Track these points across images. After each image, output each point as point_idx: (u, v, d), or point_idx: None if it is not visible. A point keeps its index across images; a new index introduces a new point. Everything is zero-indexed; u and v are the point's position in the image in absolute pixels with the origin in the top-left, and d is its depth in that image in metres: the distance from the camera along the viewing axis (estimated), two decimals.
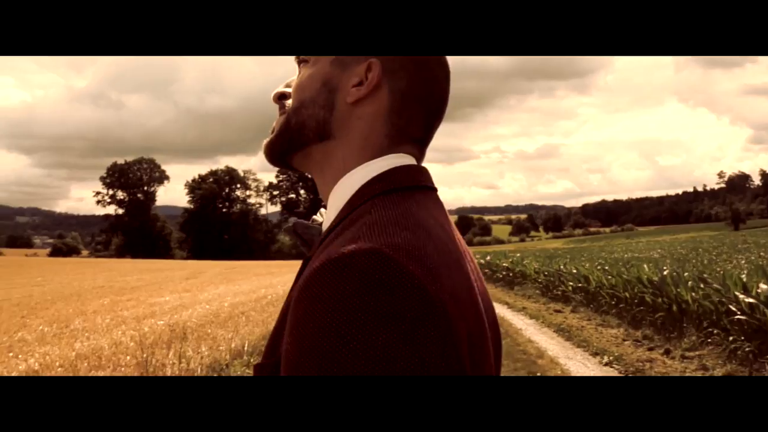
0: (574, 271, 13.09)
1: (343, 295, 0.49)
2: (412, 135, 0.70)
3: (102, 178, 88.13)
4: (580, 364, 6.94)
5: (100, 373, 6.29)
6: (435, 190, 0.70)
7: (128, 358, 6.88)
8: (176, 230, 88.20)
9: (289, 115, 0.71)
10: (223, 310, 11.48)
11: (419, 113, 0.70)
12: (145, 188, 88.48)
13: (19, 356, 7.24)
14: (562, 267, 14.50)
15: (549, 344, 8.16)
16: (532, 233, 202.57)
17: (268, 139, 0.73)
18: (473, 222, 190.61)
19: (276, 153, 0.73)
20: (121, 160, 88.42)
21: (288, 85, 0.75)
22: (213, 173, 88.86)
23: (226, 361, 6.87)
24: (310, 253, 0.65)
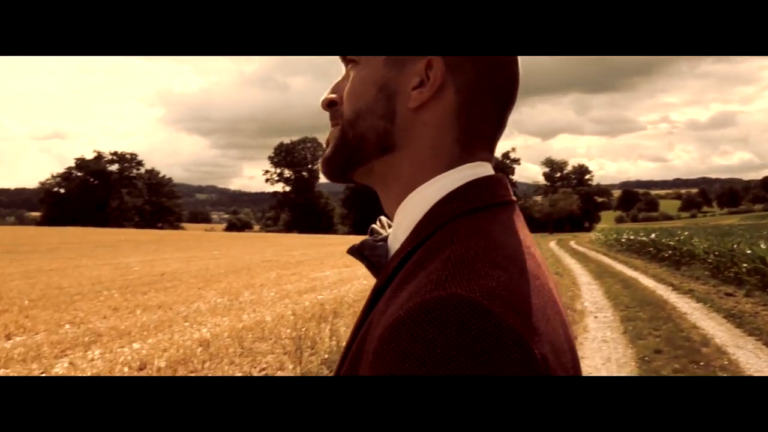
0: (749, 251, 11.91)
1: (436, 354, 0.44)
2: (485, 135, 0.64)
3: (270, 158, 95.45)
4: (751, 354, 6.15)
5: (263, 345, 6.48)
6: (514, 202, 0.64)
7: (288, 331, 7.06)
8: (339, 206, 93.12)
9: (345, 128, 0.65)
10: None
11: (491, 109, 0.63)
12: (310, 166, 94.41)
13: (194, 326, 7.78)
14: (735, 246, 13.34)
15: (716, 331, 7.30)
16: (705, 209, 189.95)
17: (324, 155, 0.68)
18: (638, 197, 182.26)
19: (335, 170, 0.67)
20: (287, 140, 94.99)
21: (335, 90, 0.68)
22: None
23: None
24: (380, 279, 0.61)
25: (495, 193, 0.60)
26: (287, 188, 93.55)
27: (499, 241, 0.54)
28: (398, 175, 0.63)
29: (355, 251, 0.67)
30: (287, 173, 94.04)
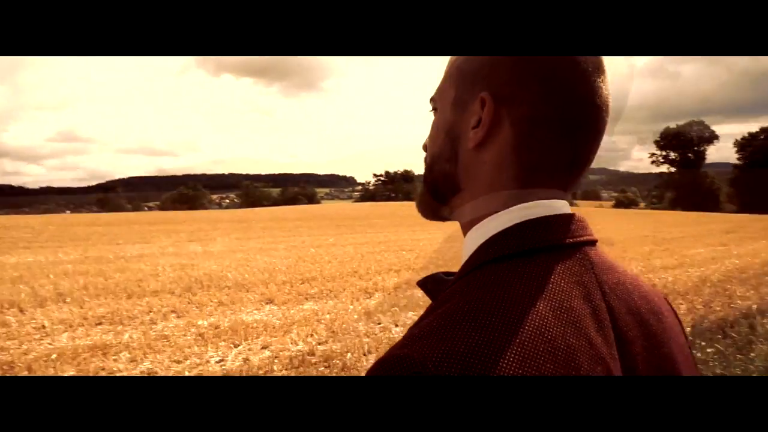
0: None
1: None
2: (549, 168, 0.58)
3: (656, 142, 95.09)
4: None
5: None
6: (576, 245, 0.57)
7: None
8: (726, 186, 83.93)
9: (426, 173, 0.67)
10: (752, 266, 10.98)
11: (557, 138, 0.57)
12: (695, 148, 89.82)
13: None
14: None
15: None
16: None
17: (417, 199, 0.70)
18: None
19: (424, 212, 0.69)
20: (672, 125, 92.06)
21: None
22: (765, 130, 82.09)
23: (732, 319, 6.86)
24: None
25: (540, 237, 0.56)
26: (672, 169, 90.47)
27: (508, 295, 0.50)
28: (464, 214, 0.63)
29: (421, 283, 0.66)
30: (673, 155, 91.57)
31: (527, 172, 0.59)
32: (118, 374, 4.93)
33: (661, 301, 0.66)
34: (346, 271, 10.57)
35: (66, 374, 4.92)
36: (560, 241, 0.57)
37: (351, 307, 7.48)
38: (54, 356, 5.28)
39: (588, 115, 0.59)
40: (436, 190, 0.67)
